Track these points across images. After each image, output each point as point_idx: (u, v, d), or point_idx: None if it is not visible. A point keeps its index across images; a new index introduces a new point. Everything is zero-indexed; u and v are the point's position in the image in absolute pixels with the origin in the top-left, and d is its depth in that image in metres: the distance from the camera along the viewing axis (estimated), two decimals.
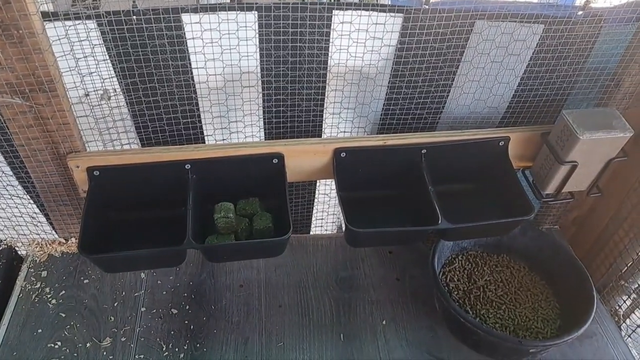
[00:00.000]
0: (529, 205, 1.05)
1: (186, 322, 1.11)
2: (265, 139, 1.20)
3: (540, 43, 1.04)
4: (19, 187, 1.12)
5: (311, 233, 1.50)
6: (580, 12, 1.00)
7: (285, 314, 1.13)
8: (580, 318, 1.05)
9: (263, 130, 1.18)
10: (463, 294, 1.15)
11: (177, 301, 1.14)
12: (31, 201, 1.16)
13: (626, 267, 1.29)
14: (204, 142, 1.16)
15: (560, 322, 1.12)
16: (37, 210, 1.17)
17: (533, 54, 1.06)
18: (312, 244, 1.30)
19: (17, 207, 1.15)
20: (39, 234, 1.22)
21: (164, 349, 1.06)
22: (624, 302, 1.31)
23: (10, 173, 1.09)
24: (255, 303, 1.15)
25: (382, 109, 1.17)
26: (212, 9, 0.93)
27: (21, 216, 1.17)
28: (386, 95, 1.13)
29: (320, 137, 1.21)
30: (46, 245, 1.22)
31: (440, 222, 1.01)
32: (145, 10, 0.89)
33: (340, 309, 1.15)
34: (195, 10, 0.92)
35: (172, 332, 1.09)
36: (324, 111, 1.16)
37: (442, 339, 1.11)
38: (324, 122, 1.18)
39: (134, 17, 0.89)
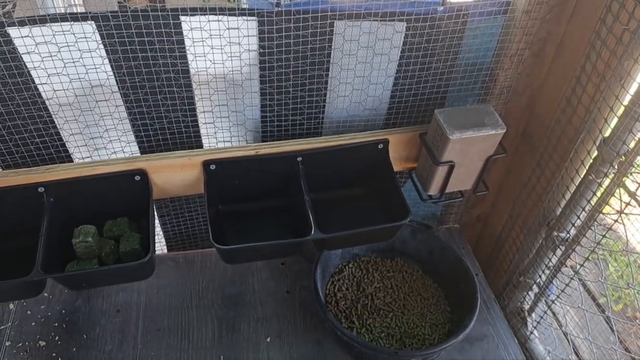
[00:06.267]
0: (406, 210, 1.02)
1: (54, 354, 1.04)
2: (140, 153, 1.14)
3: (405, 41, 1.00)
4: None
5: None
6: (440, 8, 0.96)
7: (163, 338, 1.07)
8: (466, 321, 1.02)
9: (136, 144, 1.11)
10: (350, 304, 1.10)
11: (47, 332, 1.07)
12: None
13: (524, 264, 1.27)
14: (72, 160, 1.08)
15: (449, 326, 1.09)
16: None
17: (401, 52, 1.02)
18: (201, 260, 1.24)
19: None
20: None
21: None
22: (525, 298, 1.30)
23: None
24: (131, 328, 1.09)
25: (260, 116, 1.11)
26: (42, 20, 0.86)
27: None
28: (260, 102, 1.08)
29: (202, 147, 1.15)
30: None
31: (313, 232, 0.97)
32: None
33: (223, 329, 1.10)
34: (20, 24, 0.85)
35: None
36: (198, 121, 1.10)
37: (328, 352, 1.07)
38: (200, 132, 1.12)
39: None
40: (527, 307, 1.32)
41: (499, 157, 1.05)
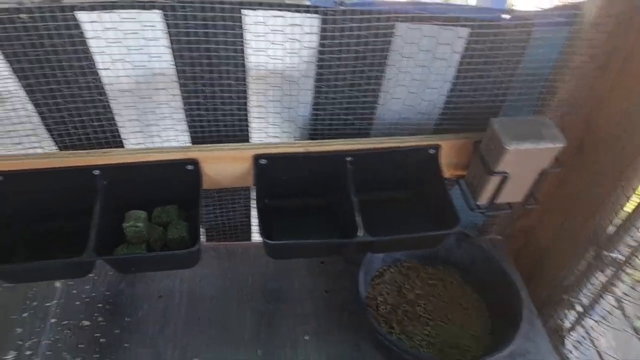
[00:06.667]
0: (456, 218, 1.00)
1: (97, 335, 1.06)
2: (191, 143, 1.15)
3: (467, 47, 0.98)
4: None
5: (252, 240, 1.45)
6: (506, 16, 0.94)
7: (203, 328, 1.08)
8: (508, 336, 1.00)
9: (187, 133, 1.13)
10: (391, 309, 1.10)
11: (90, 312, 1.09)
12: None
13: (569, 281, 1.24)
14: (122, 145, 1.10)
15: (490, 339, 1.07)
16: None
17: (461, 58, 1.01)
18: (243, 252, 1.25)
19: None
20: None
21: None
22: (566, 316, 1.26)
23: None
24: (173, 315, 1.10)
25: (311, 113, 1.11)
26: (110, 6, 0.87)
27: None
28: (313, 99, 1.08)
29: (248, 141, 1.16)
30: None
31: (359, 234, 0.96)
32: (33, 7, 0.83)
33: (263, 323, 1.10)
34: (91, 8, 0.87)
35: (81, 346, 1.04)
36: (249, 115, 1.10)
37: (367, 355, 1.06)
38: (249, 126, 1.13)
39: (22, 15, 0.84)
40: (567, 325, 1.29)
41: (554, 171, 1.03)
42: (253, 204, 1.34)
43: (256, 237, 1.45)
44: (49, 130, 1.01)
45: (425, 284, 1.15)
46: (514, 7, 0.93)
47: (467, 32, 0.96)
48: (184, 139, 1.14)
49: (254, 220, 1.40)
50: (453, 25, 0.94)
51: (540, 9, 0.95)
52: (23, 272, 0.96)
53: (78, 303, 1.11)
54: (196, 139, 1.13)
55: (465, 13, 0.93)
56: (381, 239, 0.97)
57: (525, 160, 0.99)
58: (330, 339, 1.08)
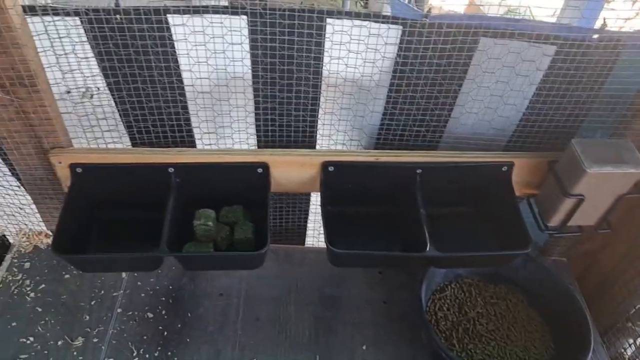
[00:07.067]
0: (527, 238, 0.98)
1: (160, 327, 1.08)
2: (257, 146, 1.16)
3: (551, 65, 0.96)
4: (9, 176, 1.12)
5: (306, 244, 1.45)
6: (595, 35, 0.91)
7: (261, 329, 1.10)
8: None
9: (255, 137, 1.14)
10: (451, 325, 1.08)
11: (154, 305, 1.12)
12: (20, 191, 1.15)
13: (634, 309, 1.20)
14: (194, 145, 1.12)
15: None
16: (25, 201, 1.17)
17: (544, 76, 0.98)
18: (300, 256, 1.25)
19: (3, 197, 1.15)
20: (26, 225, 1.22)
21: (134, 354, 1.04)
22: (630, 345, 1.22)
23: (1, 163, 1.09)
24: (232, 314, 1.12)
25: (380, 123, 1.11)
26: (199, 11, 0.89)
27: (8, 205, 1.17)
28: (384, 109, 1.08)
29: (314, 147, 1.16)
30: (33, 237, 1.21)
31: (427, 249, 0.95)
32: (127, 9, 0.86)
33: (320, 328, 1.11)
34: (181, 12, 0.89)
35: (145, 337, 1.07)
36: (317, 121, 1.11)
37: None
38: (317, 131, 1.13)
39: (117, 16, 0.86)
40: (628, 354, 1.24)
41: (632, 196, 0.99)
42: (312, 209, 1.35)
43: (310, 241, 1.46)
44: (129, 127, 1.04)
45: (487, 302, 1.12)
46: (605, 27, 0.90)
47: (554, 50, 0.93)
48: (252, 141, 1.15)
49: (310, 225, 1.41)
50: (541, 42, 0.91)
51: (631, 31, 0.91)
52: (97, 262, 1.00)
53: (143, 295, 1.14)
54: (263, 143, 1.14)
55: (556, 31, 0.90)
56: (451, 255, 0.96)
57: (604, 184, 0.96)
58: (388, 350, 1.08)
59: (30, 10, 0.83)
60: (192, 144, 1.12)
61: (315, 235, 1.42)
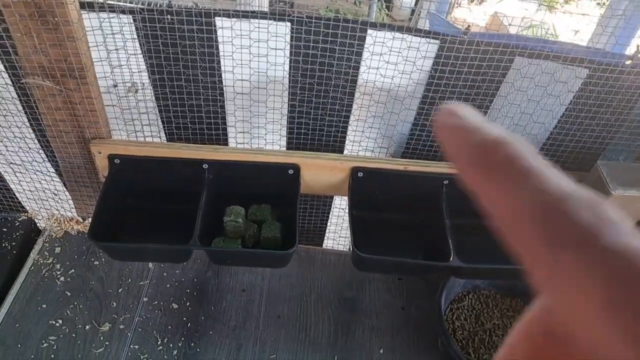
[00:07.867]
0: None
1: (184, 318, 1.11)
2: (286, 148, 1.19)
3: (582, 88, 0.98)
4: (47, 163, 1.16)
5: (323, 246, 1.48)
6: (628, 62, 0.94)
7: (282, 326, 1.13)
8: None
9: (286, 138, 1.17)
10: (468, 335, 1.10)
11: (179, 296, 1.15)
12: (56, 177, 1.19)
13: None
14: (227, 143, 1.16)
15: None
16: (60, 187, 1.20)
17: (574, 98, 1.01)
18: (321, 257, 1.28)
19: (40, 182, 1.18)
20: (58, 210, 1.25)
21: (158, 342, 1.07)
22: None
23: (38, 149, 1.13)
24: (254, 310, 1.15)
25: (409, 132, 1.14)
26: (246, 15, 0.93)
27: (43, 191, 1.20)
28: (414, 119, 1.11)
29: (342, 151, 1.19)
30: (64, 222, 1.25)
31: (452, 259, 0.98)
32: (179, 10, 0.89)
33: (339, 330, 1.13)
34: (229, 15, 0.92)
35: (170, 327, 1.10)
36: (348, 127, 1.14)
37: None
38: (347, 137, 1.16)
39: (168, 16, 0.90)
40: None
41: None
42: (334, 212, 1.38)
43: (329, 243, 1.49)
44: (168, 122, 1.08)
45: (503, 314, 1.15)
46: (638, 54, 0.92)
47: (586, 73, 0.96)
48: (283, 143, 1.18)
49: (331, 227, 1.44)
50: (575, 65, 0.94)
51: None
52: (132, 251, 1.03)
53: (168, 286, 1.17)
54: (292, 145, 1.18)
55: (589, 55, 0.93)
56: (475, 266, 0.99)
57: (627, 206, 0.99)
58: (405, 356, 1.10)
59: (88, 6, 0.87)
60: (225, 142, 1.16)
61: (334, 238, 1.45)
